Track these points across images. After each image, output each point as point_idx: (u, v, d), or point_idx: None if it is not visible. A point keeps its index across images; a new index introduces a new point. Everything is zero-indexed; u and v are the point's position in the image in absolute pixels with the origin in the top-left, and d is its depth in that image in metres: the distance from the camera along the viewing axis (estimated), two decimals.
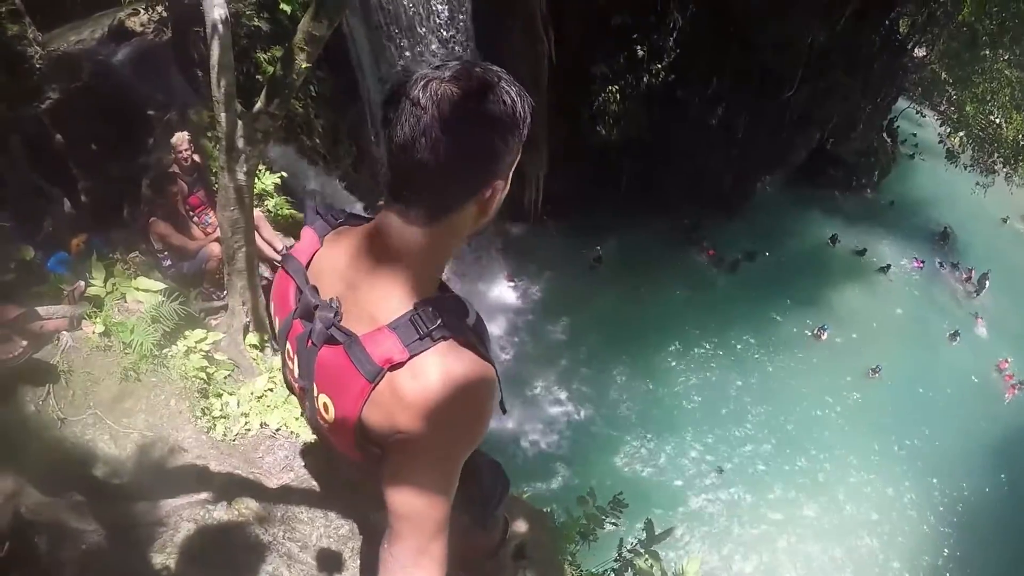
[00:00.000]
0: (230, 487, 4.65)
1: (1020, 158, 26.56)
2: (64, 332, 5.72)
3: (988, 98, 25.93)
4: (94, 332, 5.82)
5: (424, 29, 15.25)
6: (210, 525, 4.21)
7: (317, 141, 13.69)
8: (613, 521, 6.88)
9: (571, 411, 21.06)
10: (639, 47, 20.89)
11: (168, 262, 7.51)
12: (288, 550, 4.24)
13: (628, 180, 22.91)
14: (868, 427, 22.76)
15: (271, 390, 6.43)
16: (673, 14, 20.73)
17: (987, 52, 24.44)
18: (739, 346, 24.34)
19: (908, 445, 22.76)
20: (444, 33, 15.60)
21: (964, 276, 30.77)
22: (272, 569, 4.04)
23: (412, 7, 14.65)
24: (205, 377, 6.02)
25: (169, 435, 5.26)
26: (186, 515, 4.20)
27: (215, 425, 5.62)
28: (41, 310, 5.59)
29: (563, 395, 21.36)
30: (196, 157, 7.68)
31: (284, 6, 10.04)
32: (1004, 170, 28.20)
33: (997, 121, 26.27)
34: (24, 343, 5.25)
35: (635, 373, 22.35)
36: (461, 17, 15.86)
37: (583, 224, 24.17)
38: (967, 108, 26.83)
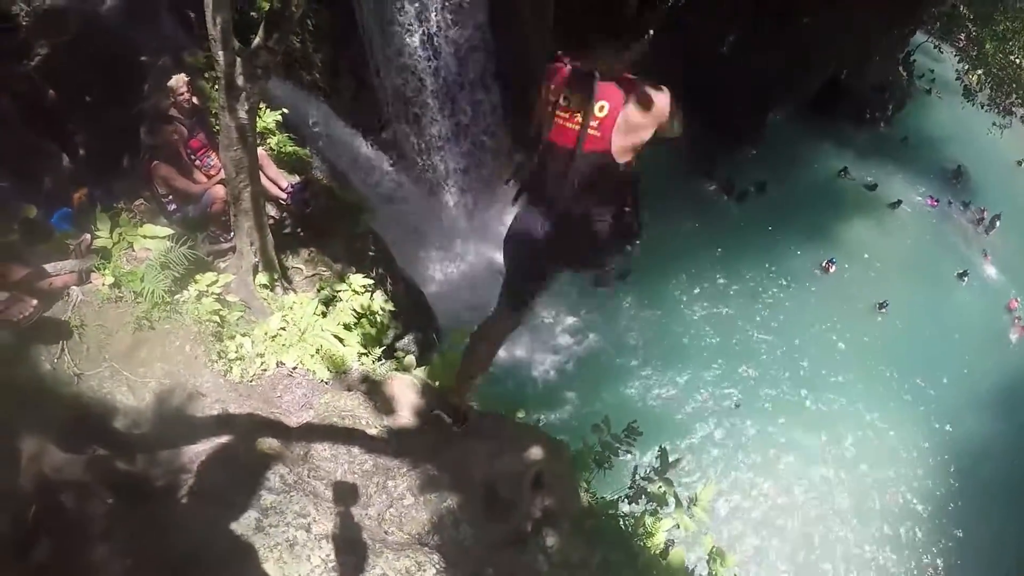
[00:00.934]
0: (251, 429, 4.74)
1: None
2: (73, 287, 5.72)
3: (1010, 37, 25.25)
4: (104, 284, 5.83)
5: None
6: (235, 468, 4.27)
7: (317, 76, 13.48)
8: (627, 449, 7.13)
9: (581, 339, 21.36)
10: None
11: (173, 206, 7.48)
12: (314, 488, 4.35)
13: None
14: (874, 363, 23.15)
15: (284, 329, 6.47)
16: None
17: None
18: (748, 277, 24.58)
19: (913, 382, 23.17)
20: None
21: (976, 216, 30.80)
22: (299, 508, 4.16)
23: None
24: (219, 320, 6.08)
25: (187, 381, 5.33)
26: (210, 460, 4.25)
27: (231, 368, 5.69)
28: (48, 267, 5.61)
29: (571, 324, 21.63)
30: (195, 99, 7.55)
31: None
32: (1022, 112, 27.59)
33: (1017, 62, 25.60)
34: (35, 302, 5.28)
35: (644, 302, 22.63)
36: None
37: None
38: (987, 46, 26.12)
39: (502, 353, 18.16)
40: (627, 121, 3.64)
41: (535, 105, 4.05)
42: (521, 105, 20.61)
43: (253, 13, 10.45)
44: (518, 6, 18.06)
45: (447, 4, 15.82)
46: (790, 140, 29.78)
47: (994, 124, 28.72)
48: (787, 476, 19.95)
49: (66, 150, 7.09)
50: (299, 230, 9.00)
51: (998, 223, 30.27)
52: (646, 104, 3.71)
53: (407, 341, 12.51)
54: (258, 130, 7.94)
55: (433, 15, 15.59)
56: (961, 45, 30.51)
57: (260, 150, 7.75)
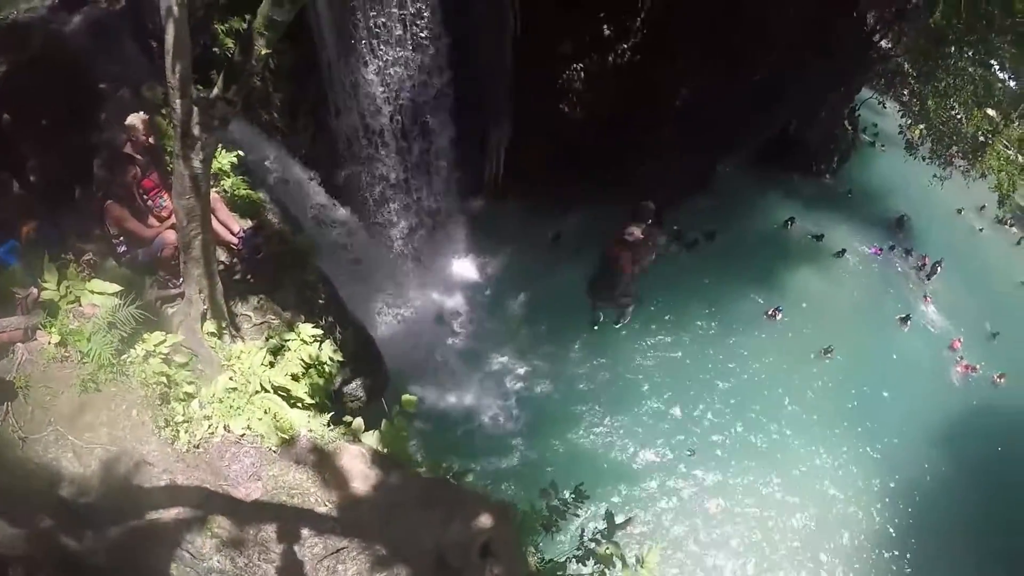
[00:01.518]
0: (200, 503, 4.63)
1: (978, 153, 27.13)
2: (19, 344, 5.52)
3: (951, 94, 26.31)
4: (50, 342, 5.69)
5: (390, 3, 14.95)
6: (185, 552, 4.15)
7: (275, 115, 13.42)
8: (574, 512, 7.11)
9: (530, 386, 21.44)
10: (606, 26, 20.77)
11: (123, 248, 7.34)
12: (264, 572, 4.23)
13: (590, 158, 22.89)
14: (822, 406, 23.77)
15: (232, 389, 6.33)
16: None
17: (952, 50, 24.84)
18: (697, 324, 25.00)
19: (861, 424, 23.84)
20: (410, 8, 15.26)
21: (918, 263, 32.25)
22: None
23: None
24: (166, 381, 5.87)
25: (133, 448, 5.21)
26: (158, 538, 4.13)
27: (178, 433, 5.58)
28: None
29: (521, 370, 21.73)
30: (151, 139, 7.46)
31: None
32: (962, 164, 28.94)
33: (958, 116, 26.74)
34: None
35: (593, 350, 22.75)
36: None
37: (544, 200, 24.28)
38: (929, 102, 27.21)
39: (451, 399, 18.18)
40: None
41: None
42: (473, 153, 20.88)
43: (216, 50, 10.41)
44: (479, 52, 18.35)
45: (411, 52, 15.99)
46: (739, 190, 30.64)
47: (935, 176, 29.86)
48: (739, 526, 20.08)
49: (17, 176, 6.92)
50: (249, 276, 8.89)
51: (940, 269, 31.62)
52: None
53: (355, 386, 12.42)
54: (212, 171, 7.87)
55: (395, 63, 15.74)
56: (904, 100, 31.85)
57: (213, 192, 7.67)
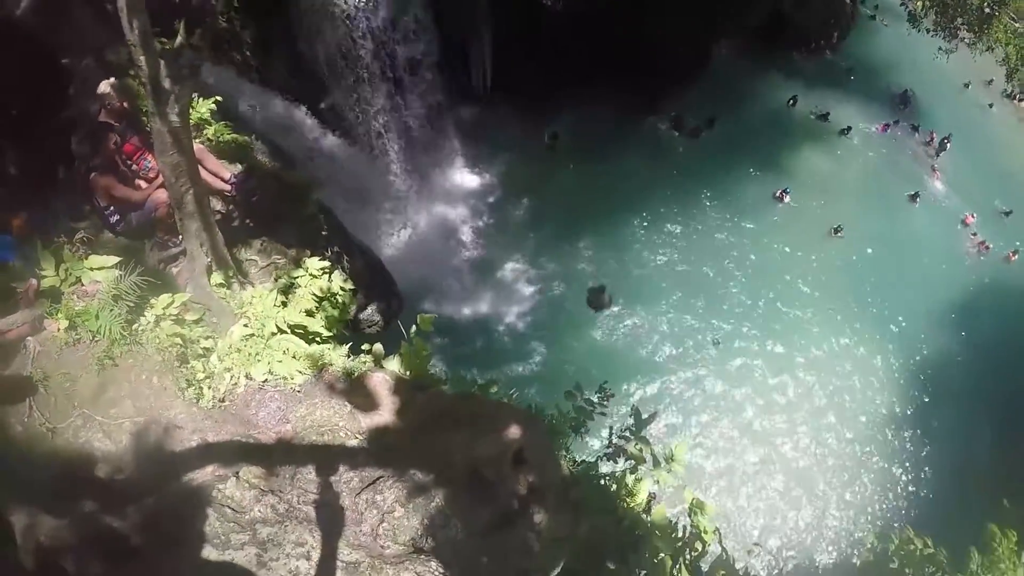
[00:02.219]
0: (233, 456, 4.76)
1: (984, 25, 26.08)
2: (29, 338, 5.55)
3: None
4: (59, 329, 5.68)
5: None
6: (227, 508, 4.28)
7: (248, 54, 13.05)
8: (601, 411, 7.21)
9: (543, 288, 21.61)
10: None
11: (115, 217, 7.26)
12: (306, 514, 4.41)
13: (581, 53, 22.24)
14: (836, 285, 24.10)
15: (251, 336, 6.42)
16: None
17: None
18: (704, 212, 24.96)
19: (876, 301, 24.28)
20: None
21: (925, 139, 31.72)
22: (296, 538, 4.22)
23: None
24: (181, 341, 5.93)
25: (160, 415, 5.28)
26: (198, 500, 4.26)
27: (202, 391, 5.63)
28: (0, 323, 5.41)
29: (533, 274, 21.87)
30: (124, 104, 7.28)
31: None
32: (968, 36, 27.80)
33: None
34: None
35: (603, 247, 22.89)
36: None
37: (536, 102, 23.76)
38: None
39: (466, 311, 18.35)
40: None
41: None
42: (459, 60, 20.30)
43: None
44: None
45: None
46: (737, 74, 29.95)
47: (940, 49, 28.82)
48: (760, 412, 20.64)
49: None
50: (248, 221, 8.85)
51: (948, 144, 31.23)
52: None
53: (371, 312, 12.55)
54: (192, 121, 7.71)
55: None
56: None
57: (197, 144, 7.54)
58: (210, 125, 9.35)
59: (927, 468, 21.05)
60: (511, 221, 22.96)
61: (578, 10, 21.25)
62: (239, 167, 9.09)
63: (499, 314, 20.65)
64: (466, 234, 22.30)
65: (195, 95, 8.84)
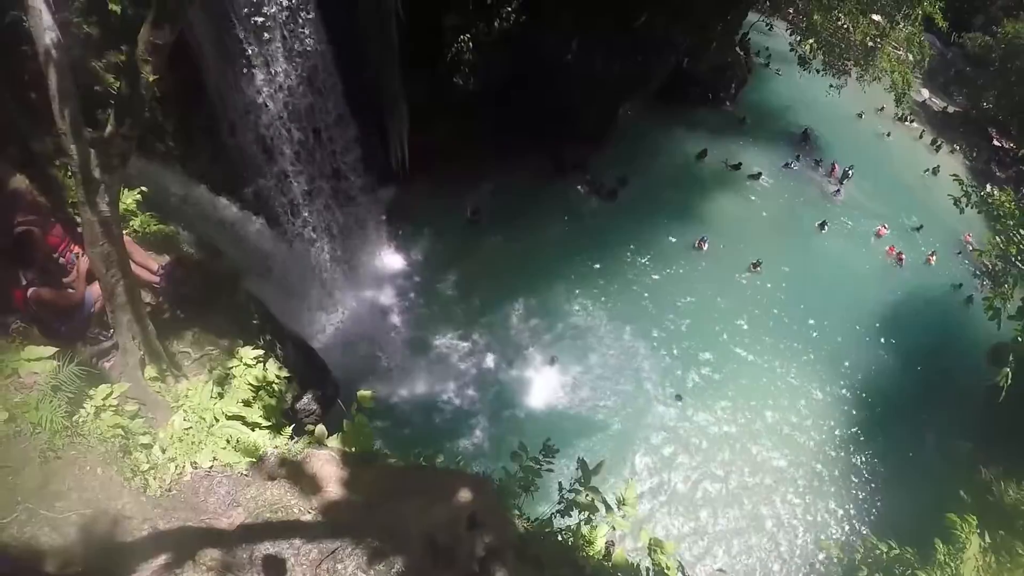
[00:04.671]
0: (187, 542, 4.71)
1: (869, 58, 28.62)
2: None
3: (835, 5, 27.61)
4: None
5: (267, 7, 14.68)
6: None
7: (170, 144, 13.13)
8: (548, 468, 7.42)
9: (478, 362, 21.86)
10: None
11: (59, 324, 7.13)
12: None
13: (492, 128, 23.14)
14: (763, 318, 25.57)
15: (189, 425, 6.40)
16: None
17: None
18: (628, 268, 25.94)
19: (803, 324, 25.93)
20: (287, 10, 15.06)
21: (828, 171, 34.38)
22: None
23: None
24: (122, 432, 5.88)
25: (107, 506, 5.19)
26: None
27: (148, 481, 5.58)
28: None
29: (466, 347, 22.12)
30: (41, 198, 7.27)
31: (113, 6, 9.50)
32: (855, 70, 30.35)
33: (845, 26, 28.05)
34: None
35: (533, 312, 23.41)
36: None
37: (455, 177, 24.49)
38: (815, 16, 28.60)
39: (404, 392, 18.33)
40: None
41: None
42: (376, 144, 20.82)
43: (97, 88, 10.16)
44: (363, 45, 18.24)
45: (294, 54, 15.79)
46: (645, 132, 31.59)
47: (831, 86, 31.51)
48: (704, 448, 21.27)
49: None
50: (178, 312, 8.83)
51: (851, 173, 34.09)
52: None
53: (307, 400, 12.47)
54: (120, 212, 7.72)
55: (280, 66, 15.54)
56: (791, 19, 33.05)
57: (125, 236, 7.55)
58: (136, 216, 9.38)
59: (879, 477, 22.06)
60: (439, 297, 23.24)
61: (489, 85, 22.12)
62: (167, 258, 9.12)
63: (437, 391, 20.71)
64: (396, 315, 22.46)
65: (122, 186, 8.90)
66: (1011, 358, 9.95)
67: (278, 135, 16.64)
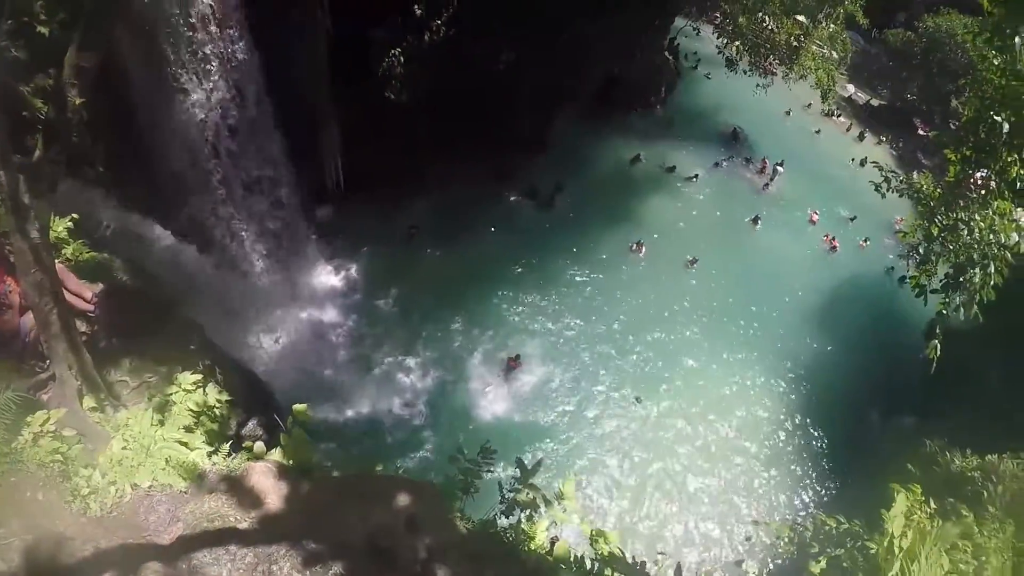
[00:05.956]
0: (128, 558, 4.87)
1: (794, 57, 29.85)
2: None
3: (759, 7, 28.61)
4: None
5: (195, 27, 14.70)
6: None
7: (101, 170, 13.10)
8: (488, 469, 7.69)
9: (423, 376, 21.88)
10: (416, 6, 21.28)
11: None
12: None
13: (427, 142, 23.38)
14: (699, 312, 26.26)
15: (127, 449, 6.54)
16: None
17: None
18: (568, 275, 26.28)
19: (742, 317, 26.78)
20: (220, 32, 15.10)
21: (759, 168, 35.61)
22: None
23: (174, 20, 14.05)
24: (61, 458, 6.01)
25: (50, 529, 5.31)
26: None
27: (88, 504, 5.72)
28: None
29: (410, 363, 22.11)
30: None
31: (42, 29, 9.50)
32: (781, 70, 31.59)
33: (769, 27, 29.07)
34: None
35: (474, 324, 23.53)
36: (231, 6, 15.39)
37: (392, 192, 24.64)
38: (740, 19, 29.57)
39: (349, 412, 18.27)
40: None
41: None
42: (309, 163, 20.89)
43: (26, 113, 10.14)
44: (294, 64, 18.33)
45: (224, 73, 15.82)
46: (579, 139, 32.25)
47: (758, 86, 32.58)
48: (653, 445, 21.68)
49: None
50: (114, 341, 8.92)
51: (781, 168, 35.38)
52: None
53: (252, 427, 12.50)
54: (51, 240, 7.76)
55: (209, 88, 15.56)
56: (717, 22, 33.94)
57: (58, 264, 7.59)
58: (69, 244, 9.44)
59: (828, 459, 22.81)
60: (381, 315, 23.30)
61: (422, 99, 22.36)
62: (101, 286, 9.18)
63: (384, 408, 20.70)
64: (338, 335, 22.43)
65: (52, 215, 8.93)
66: (938, 330, 10.54)
67: (209, 158, 16.61)
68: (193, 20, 14.49)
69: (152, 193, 15.05)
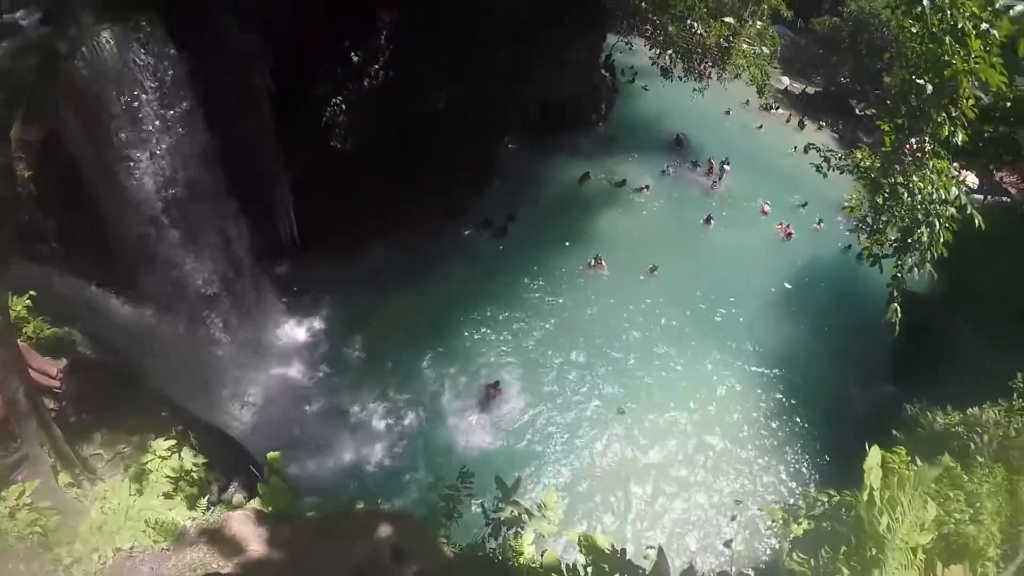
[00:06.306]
0: None
1: (725, 58, 30.92)
2: None
3: (686, 15, 29.46)
4: None
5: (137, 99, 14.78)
6: None
7: (54, 245, 13.08)
8: (467, 493, 7.85)
9: (396, 418, 21.87)
10: (353, 53, 21.69)
11: None
12: None
13: (378, 185, 23.56)
14: (667, 317, 26.84)
15: (107, 514, 6.58)
16: (377, 14, 21.77)
17: None
18: (530, 299, 26.62)
19: (710, 316, 27.46)
20: (162, 100, 15.20)
21: (706, 169, 36.84)
22: None
23: (115, 89, 14.15)
24: (40, 530, 6.05)
25: None
26: None
27: (72, 573, 5.77)
28: None
29: (384, 408, 22.09)
30: None
31: None
32: (714, 72, 32.55)
33: (699, 32, 29.94)
34: None
35: (445, 361, 23.60)
36: (169, 74, 15.43)
37: (349, 241, 24.82)
38: (670, 28, 30.40)
39: (330, 463, 18.11)
40: None
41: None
42: (263, 219, 20.92)
43: None
44: (238, 124, 18.41)
45: (169, 140, 15.83)
46: (527, 164, 32.99)
47: (695, 90, 33.71)
48: (620, 446, 22.01)
49: None
50: (84, 414, 8.93)
51: (727, 167, 36.68)
52: None
53: (233, 489, 12.41)
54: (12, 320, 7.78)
55: (156, 154, 15.56)
56: (649, 35, 34.78)
57: (20, 343, 7.62)
58: (29, 322, 9.46)
59: (814, 439, 23.24)
60: (349, 364, 23.26)
61: (368, 145, 22.62)
62: (64, 361, 9.20)
63: (364, 456, 20.64)
64: (309, 388, 22.33)
65: (10, 294, 8.96)
66: (895, 293, 10.94)
67: (161, 224, 16.56)
68: (136, 91, 14.61)
69: (107, 264, 15.00)
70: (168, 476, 7.97)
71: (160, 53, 14.99)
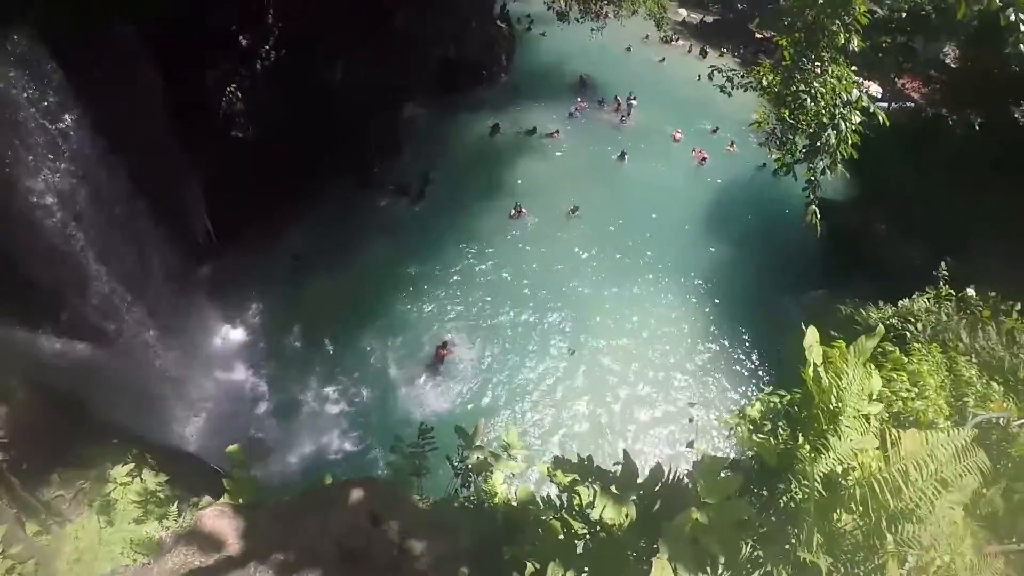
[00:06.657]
0: None
1: None
2: None
3: None
4: None
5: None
6: None
7: None
8: (431, 448, 7.95)
9: (349, 400, 22.03)
10: (241, 37, 20.98)
11: None
12: None
13: (287, 168, 23.13)
14: (595, 256, 27.63)
15: (80, 541, 6.64)
16: None
17: None
18: (461, 257, 26.98)
19: (632, 250, 28.23)
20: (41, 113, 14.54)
21: (613, 107, 37.29)
22: None
23: None
24: (19, 571, 6.09)
25: None
26: None
27: None
28: None
29: (334, 392, 22.18)
30: None
31: None
32: (610, 9, 32.92)
33: None
34: None
35: (386, 334, 23.80)
36: (54, 78, 14.69)
37: (267, 230, 24.42)
38: None
39: (292, 459, 18.05)
40: None
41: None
42: (177, 223, 20.40)
43: None
44: (137, 127, 17.76)
45: (63, 155, 15.13)
46: (434, 127, 33.04)
47: (592, 30, 34.10)
48: (575, 379, 22.91)
49: None
50: (36, 459, 8.86)
51: (634, 102, 37.32)
52: None
53: (200, 499, 12.43)
54: None
55: (51, 171, 14.91)
56: None
57: None
58: None
59: (756, 352, 24.56)
60: (290, 354, 23.16)
61: (271, 127, 22.19)
62: (4, 409, 9.09)
63: (324, 443, 20.72)
64: (256, 387, 22.19)
65: None
66: (811, 196, 11.50)
67: (70, 246, 15.88)
68: (19, 110, 13.97)
69: (26, 301, 14.49)
70: (134, 500, 8.01)
71: (34, 61, 14.19)
